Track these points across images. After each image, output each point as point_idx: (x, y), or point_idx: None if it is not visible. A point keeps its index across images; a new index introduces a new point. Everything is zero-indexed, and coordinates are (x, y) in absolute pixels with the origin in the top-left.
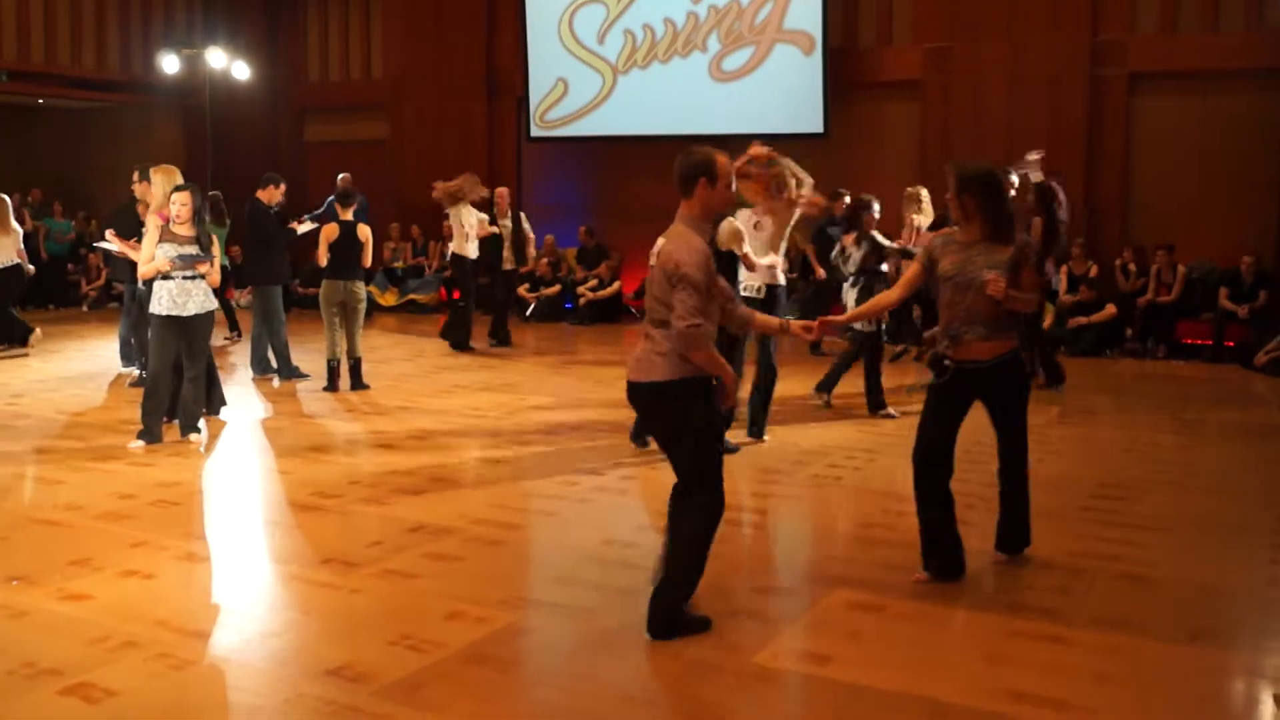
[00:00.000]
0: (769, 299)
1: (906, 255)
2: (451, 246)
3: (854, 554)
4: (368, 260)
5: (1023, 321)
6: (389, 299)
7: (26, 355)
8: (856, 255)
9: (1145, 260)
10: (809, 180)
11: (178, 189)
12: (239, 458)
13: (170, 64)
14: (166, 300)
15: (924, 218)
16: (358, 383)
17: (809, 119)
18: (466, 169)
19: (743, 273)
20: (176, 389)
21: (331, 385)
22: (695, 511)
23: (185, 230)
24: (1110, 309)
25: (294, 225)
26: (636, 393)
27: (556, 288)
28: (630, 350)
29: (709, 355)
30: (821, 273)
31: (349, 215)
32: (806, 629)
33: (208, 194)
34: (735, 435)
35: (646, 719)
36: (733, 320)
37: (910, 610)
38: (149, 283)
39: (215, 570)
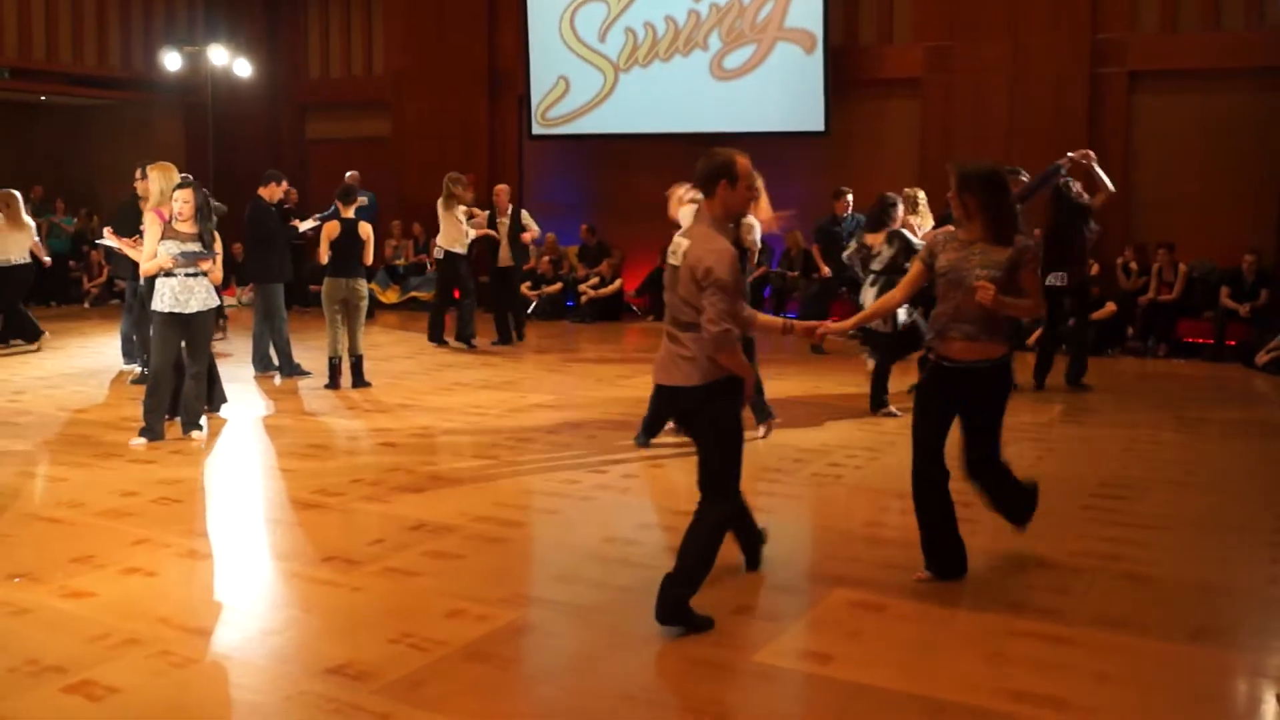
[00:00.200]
0: None
1: None
2: (442, 244)
3: (855, 553)
4: (369, 258)
5: (1030, 325)
6: (390, 296)
7: (37, 350)
8: (887, 254)
9: (1146, 259)
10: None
11: (179, 186)
12: (241, 455)
13: (172, 61)
14: (169, 297)
15: (920, 219)
16: (359, 380)
17: (810, 117)
18: (468, 167)
19: None
20: (178, 386)
21: (333, 383)
22: (710, 520)
23: (187, 227)
24: (1110, 307)
25: (295, 223)
26: (664, 394)
27: (558, 286)
28: (631, 349)
29: (737, 358)
30: (827, 270)
31: (350, 213)
32: (807, 628)
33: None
34: None
35: (648, 717)
36: (738, 320)
37: (911, 609)
38: (151, 280)
39: (217, 568)
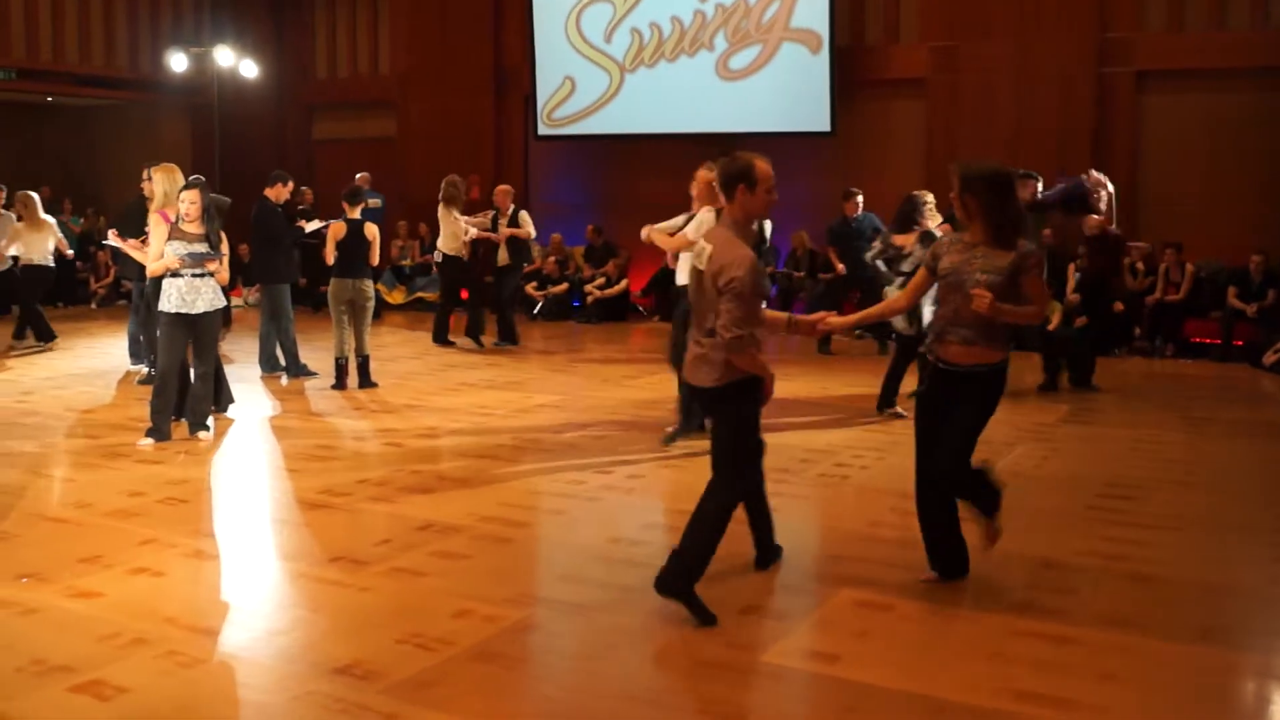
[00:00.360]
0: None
1: None
2: (441, 247)
3: (861, 553)
4: (375, 259)
5: (1029, 332)
6: (396, 297)
7: (48, 351)
8: (919, 254)
9: (1153, 259)
10: None
11: (186, 187)
12: (247, 456)
13: (178, 62)
14: (175, 298)
15: (929, 222)
16: (365, 381)
17: (815, 117)
18: (474, 167)
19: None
20: (185, 387)
21: (339, 383)
22: (715, 501)
23: (194, 228)
24: (1117, 306)
25: (301, 224)
26: (691, 391)
27: (564, 286)
28: (637, 349)
29: (753, 360)
30: (841, 268)
31: (356, 214)
32: (814, 628)
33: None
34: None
35: (654, 717)
36: (756, 324)
37: (917, 610)
38: (157, 280)
39: (224, 568)
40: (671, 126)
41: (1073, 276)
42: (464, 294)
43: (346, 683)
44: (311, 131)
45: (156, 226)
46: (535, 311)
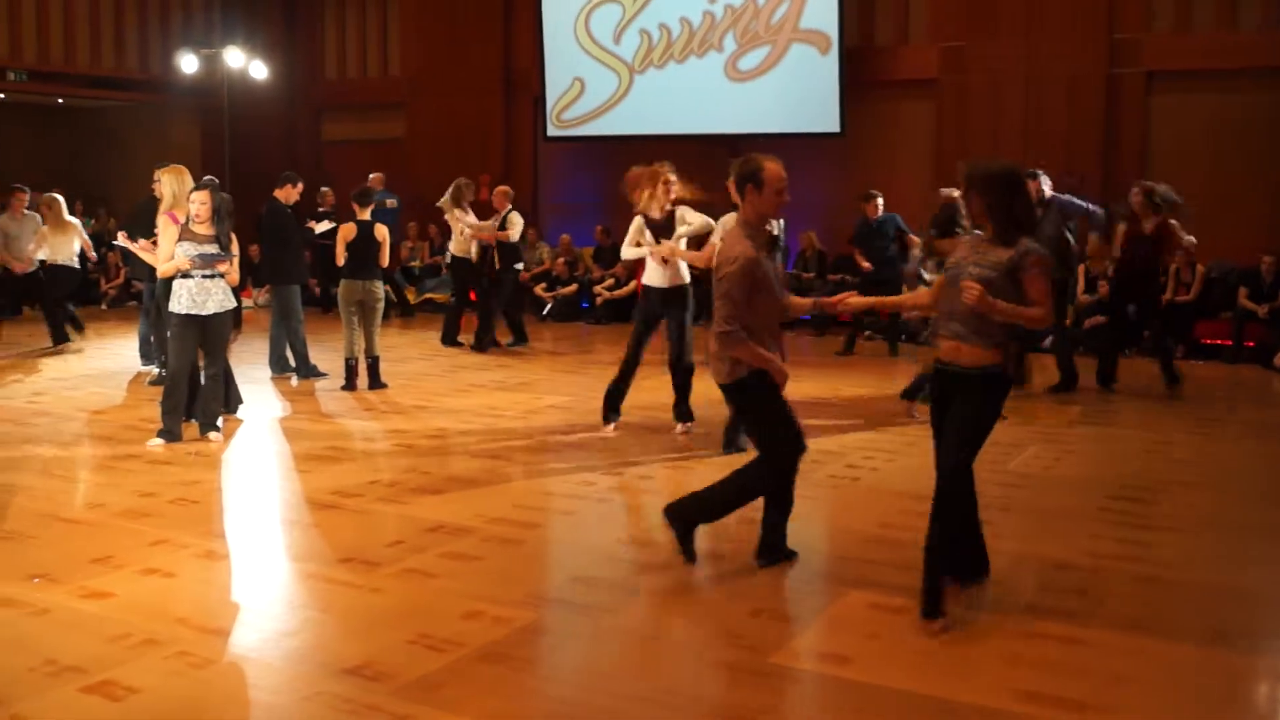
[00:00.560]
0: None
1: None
2: (451, 249)
3: (872, 555)
4: (385, 260)
5: (1020, 333)
6: (406, 297)
7: (56, 352)
8: None
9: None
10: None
11: (197, 188)
12: (258, 457)
13: (189, 63)
14: (186, 299)
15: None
16: (375, 382)
17: (825, 118)
18: (483, 168)
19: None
20: (195, 388)
21: (349, 384)
22: (757, 468)
23: (204, 229)
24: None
25: (311, 225)
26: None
27: (573, 287)
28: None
29: (749, 352)
30: (868, 266)
31: (366, 215)
32: (825, 629)
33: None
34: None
35: (665, 719)
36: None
37: None
38: (167, 281)
39: (235, 568)
40: (680, 127)
41: (1082, 277)
42: (472, 295)
43: (357, 683)
44: (321, 132)
45: (166, 228)
46: (544, 313)
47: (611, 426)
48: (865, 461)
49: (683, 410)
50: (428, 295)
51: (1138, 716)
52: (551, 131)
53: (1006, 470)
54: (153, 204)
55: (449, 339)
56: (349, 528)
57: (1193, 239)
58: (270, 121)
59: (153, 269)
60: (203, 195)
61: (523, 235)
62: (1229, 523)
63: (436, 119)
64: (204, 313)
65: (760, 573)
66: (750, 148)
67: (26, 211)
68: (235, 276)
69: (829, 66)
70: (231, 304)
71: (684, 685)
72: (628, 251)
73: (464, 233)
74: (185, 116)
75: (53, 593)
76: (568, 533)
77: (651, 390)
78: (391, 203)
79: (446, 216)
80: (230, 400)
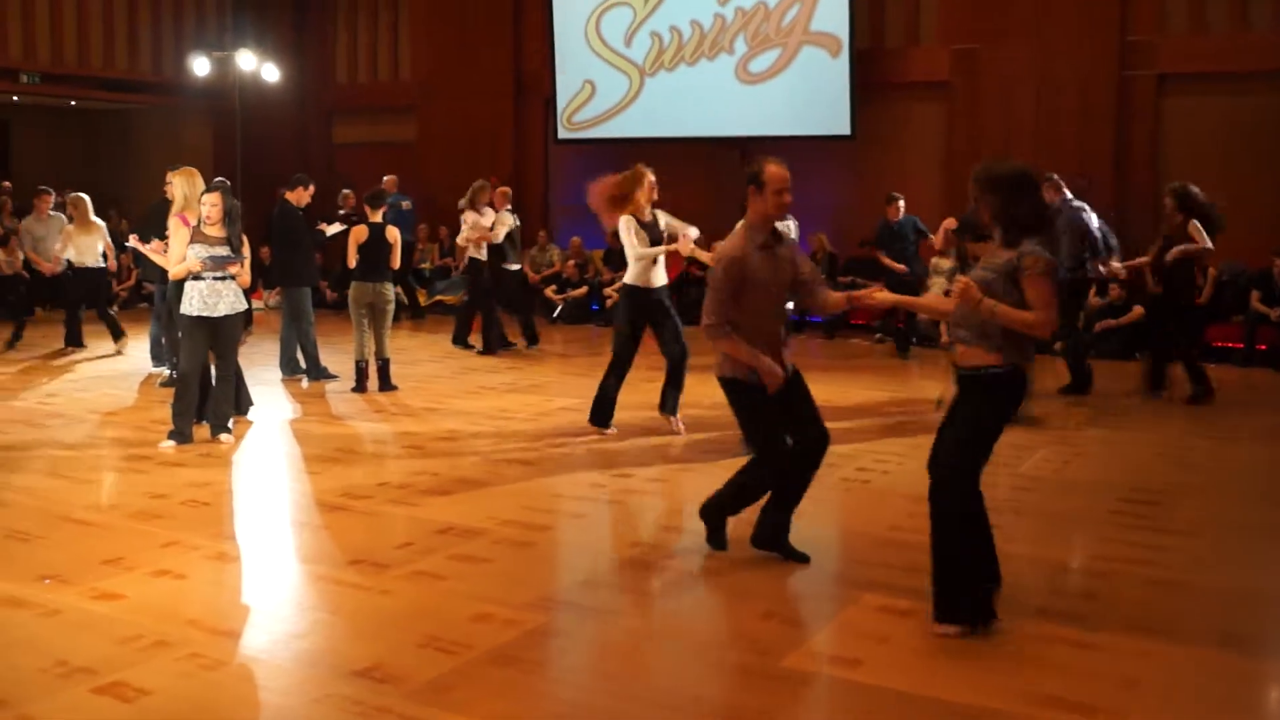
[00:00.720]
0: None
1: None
2: (469, 251)
3: (883, 558)
4: (396, 262)
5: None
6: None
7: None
8: None
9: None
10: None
11: (208, 190)
12: (268, 458)
13: (201, 66)
14: (197, 301)
15: None
16: (386, 384)
17: (836, 121)
18: (494, 171)
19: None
20: (206, 389)
21: (359, 386)
22: (754, 467)
23: (216, 231)
24: (1138, 310)
25: (322, 227)
26: None
27: (584, 289)
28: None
29: (731, 346)
30: (902, 267)
31: (378, 217)
32: (835, 633)
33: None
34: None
35: None
36: (816, 301)
37: None
38: (179, 283)
39: (245, 570)
40: (691, 130)
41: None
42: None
43: (366, 685)
44: (332, 135)
45: (177, 230)
46: (555, 315)
47: (614, 430)
48: (876, 464)
49: (676, 404)
50: (438, 297)
51: None
52: (562, 134)
53: (1017, 473)
54: (165, 206)
55: (460, 339)
56: (359, 530)
57: (1208, 245)
58: (282, 124)
59: (164, 271)
60: (214, 197)
61: (511, 235)
62: (1240, 526)
63: (447, 122)
64: (215, 315)
65: (771, 576)
66: (760, 150)
67: (52, 213)
68: (247, 278)
69: (839, 69)
70: (242, 306)
71: (695, 688)
72: (649, 250)
73: (461, 235)
74: (197, 119)
75: (64, 594)
76: (578, 535)
77: (659, 393)
78: (406, 205)
79: (462, 218)
80: (241, 402)
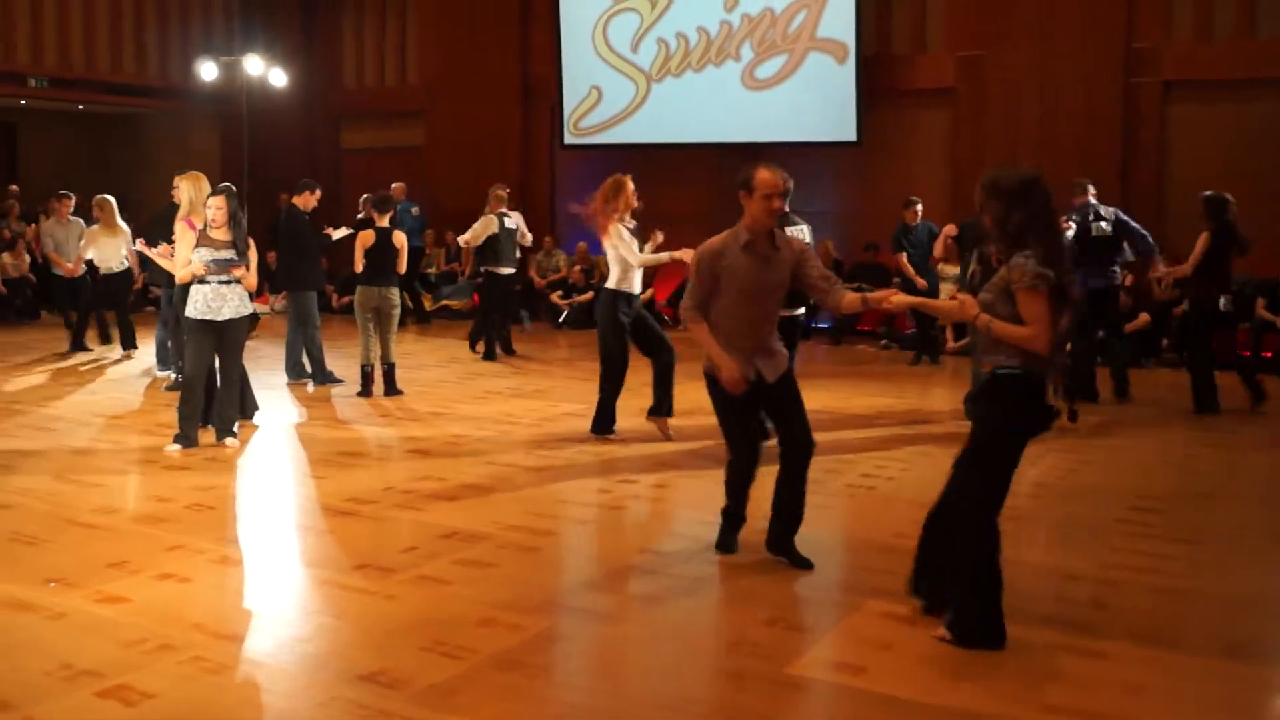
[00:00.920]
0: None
1: None
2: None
3: (887, 564)
4: (402, 266)
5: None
6: (423, 305)
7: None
8: None
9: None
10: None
11: (213, 193)
12: (273, 462)
13: (208, 71)
14: (202, 304)
15: None
16: (391, 388)
17: (842, 127)
18: (500, 176)
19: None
20: (212, 393)
21: (365, 391)
22: (728, 464)
23: (221, 234)
24: (1144, 318)
25: (329, 231)
26: None
27: (589, 295)
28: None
29: (700, 336)
30: (924, 282)
31: (385, 222)
32: (839, 639)
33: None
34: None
35: None
36: (831, 302)
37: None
38: (184, 287)
39: (250, 574)
40: (698, 136)
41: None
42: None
43: (371, 690)
44: (340, 140)
45: (183, 234)
46: (560, 320)
47: (617, 436)
48: (879, 471)
49: (670, 404)
50: (444, 302)
51: None
52: (569, 139)
53: (1024, 480)
54: (172, 210)
55: (474, 344)
56: (363, 534)
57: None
58: (289, 129)
59: (171, 275)
60: (218, 200)
61: (496, 238)
62: (1247, 534)
63: (454, 127)
64: (219, 318)
65: (774, 582)
66: (767, 156)
67: (72, 217)
68: (253, 282)
69: (846, 75)
70: (248, 309)
71: (698, 694)
72: (648, 257)
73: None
74: (205, 123)
75: (68, 597)
76: (582, 540)
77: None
78: (415, 211)
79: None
80: (246, 406)
